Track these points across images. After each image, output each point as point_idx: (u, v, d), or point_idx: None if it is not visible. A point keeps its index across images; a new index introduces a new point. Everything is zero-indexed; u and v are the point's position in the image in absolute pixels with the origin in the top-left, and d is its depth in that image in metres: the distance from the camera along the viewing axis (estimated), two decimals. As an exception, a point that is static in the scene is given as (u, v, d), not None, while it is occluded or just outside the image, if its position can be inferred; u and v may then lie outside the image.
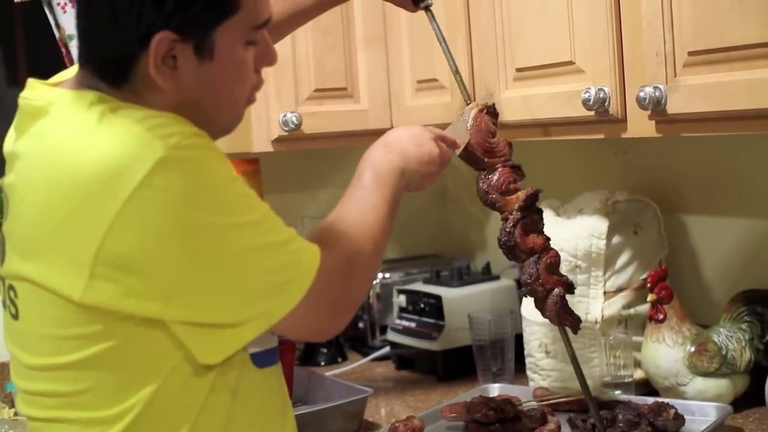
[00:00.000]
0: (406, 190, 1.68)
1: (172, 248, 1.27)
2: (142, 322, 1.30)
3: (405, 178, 1.66)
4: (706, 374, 2.12)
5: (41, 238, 1.31)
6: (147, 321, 1.31)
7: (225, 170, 1.33)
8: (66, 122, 1.34)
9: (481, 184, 1.95)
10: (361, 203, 1.57)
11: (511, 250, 1.95)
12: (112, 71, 1.37)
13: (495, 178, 1.93)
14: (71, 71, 1.52)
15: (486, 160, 1.94)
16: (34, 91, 1.44)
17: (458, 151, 1.85)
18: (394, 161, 1.65)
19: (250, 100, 1.48)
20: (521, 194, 1.93)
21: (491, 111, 1.96)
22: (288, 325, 1.38)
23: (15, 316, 1.40)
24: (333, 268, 1.42)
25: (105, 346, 1.31)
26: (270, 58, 1.48)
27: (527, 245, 1.94)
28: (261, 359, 1.46)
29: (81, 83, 1.40)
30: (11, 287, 1.40)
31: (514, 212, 1.93)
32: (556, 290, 1.94)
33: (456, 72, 2.05)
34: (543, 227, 1.96)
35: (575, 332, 2.00)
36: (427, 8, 2.07)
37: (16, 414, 2.58)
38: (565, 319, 1.97)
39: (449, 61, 2.05)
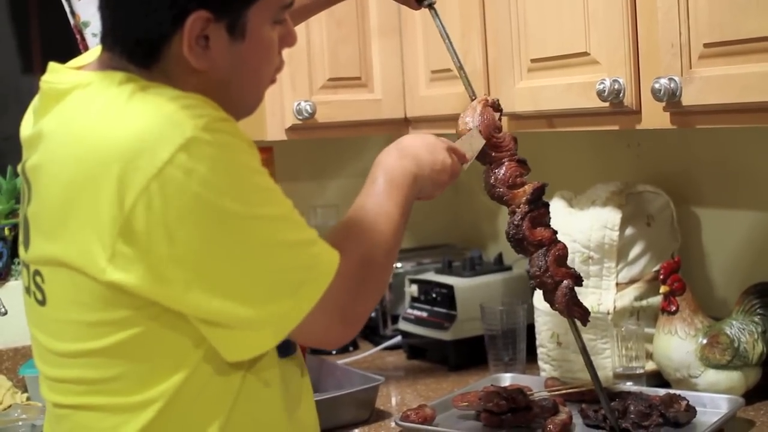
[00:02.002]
0: (417, 197, 1.67)
1: (192, 231, 1.25)
2: (168, 309, 1.30)
3: (418, 184, 1.65)
4: (718, 366, 2.12)
5: (69, 216, 1.30)
6: (171, 309, 1.30)
7: (252, 160, 1.32)
8: (94, 101, 1.33)
9: (488, 178, 1.96)
10: (374, 209, 1.55)
11: (519, 242, 1.95)
12: (142, 52, 1.36)
13: (502, 172, 1.94)
14: (90, 56, 1.52)
15: (493, 154, 1.94)
16: (58, 75, 1.43)
17: (466, 166, 1.85)
18: (407, 167, 1.63)
19: (272, 80, 1.48)
20: (528, 188, 1.94)
21: (496, 106, 1.97)
22: (298, 331, 1.36)
23: (42, 302, 1.39)
24: (348, 275, 1.40)
25: (133, 332, 1.31)
26: (291, 39, 1.47)
27: (535, 238, 1.94)
28: (282, 350, 1.46)
29: (107, 65, 1.39)
30: (37, 272, 1.39)
31: (521, 205, 1.93)
32: (565, 282, 1.95)
33: (460, 68, 2.05)
34: (550, 220, 1.96)
35: (584, 324, 2.00)
36: (430, 6, 2.08)
37: (28, 399, 2.60)
38: (575, 311, 1.98)
39: (453, 57, 2.05)
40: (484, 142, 1.90)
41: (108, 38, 1.40)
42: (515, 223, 1.94)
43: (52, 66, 1.45)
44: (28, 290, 1.44)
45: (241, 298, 1.30)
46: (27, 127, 1.47)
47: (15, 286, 2.77)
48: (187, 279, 1.27)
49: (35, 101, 1.47)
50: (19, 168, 1.47)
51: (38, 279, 1.39)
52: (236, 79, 1.40)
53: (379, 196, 1.57)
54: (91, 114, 1.32)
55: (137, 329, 1.31)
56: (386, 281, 1.57)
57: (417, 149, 1.68)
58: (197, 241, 1.26)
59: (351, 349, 2.96)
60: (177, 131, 1.25)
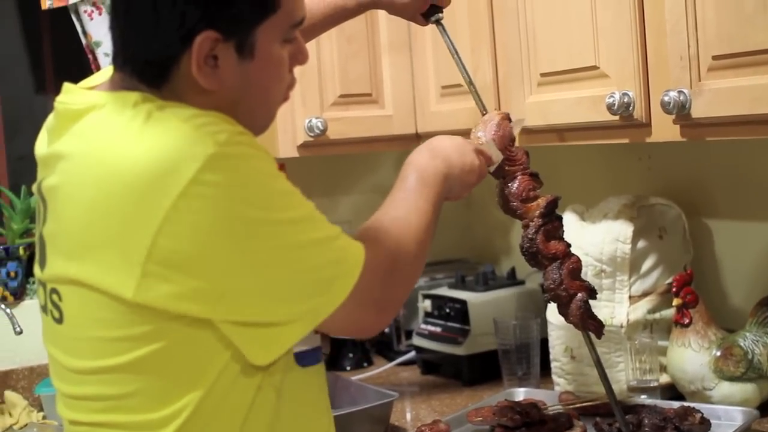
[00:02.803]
0: (446, 197, 1.69)
1: (223, 244, 1.27)
2: (192, 323, 1.30)
3: (448, 183, 1.67)
4: (732, 379, 2.11)
5: (91, 238, 1.30)
6: (196, 322, 1.31)
7: (271, 167, 1.34)
8: (111, 122, 1.34)
9: (501, 192, 1.96)
10: (405, 204, 1.58)
11: (533, 256, 1.96)
12: (152, 73, 1.37)
13: (515, 185, 1.94)
14: (102, 75, 1.53)
15: (506, 168, 1.95)
16: (73, 95, 1.43)
17: (491, 168, 1.87)
18: (438, 166, 1.66)
19: (285, 98, 1.50)
20: (541, 201, 1.94)
21: (508, 120, 1.97)
22: (332, 323, 1.39)
23: (59, 320, 1.39)
24: (377, 265, 1.42)
25: (154, 348, 1.31)
26: (303, 57, 1.49)
27: (549, 251, 1.94)
28: (305, 358, 1.47)
29: (119, 86, 1.40)
30: (54, 291, 1.39)
31: (535, 219, 1.93)
32: (580, 295, 1.95)
33: (470, 83, 2.06)
34: (563, 234, 1.96)
35: (599, 337, 2.00)
36: (437, 22, 2.09)
37: (44, 417, 2.60)
38: (589, 324, 1.97)
39: (462, 72, 2.06)
40: (500, 156, 1.91)
41: (119, 58, 1.41)
42: (529, 236, 1.94)
43: (67, 87, 1.46)
44: (44, 309, 1.44)
45: (275, 303, 1.33)
46: (42, 146, 1.48)
47: (30, 306, 2.78)
48: (220, 292, 1.29)
49: (50, 121, 1.47)
50: (34, 187, 1.48)
51: (55, 297, 1.39)
52: (246, 99, 1.41)
53: (410, 191, 1.60)
54: (109, 135, 1.33)
55: (157, 345, 1.31)
56: (417, 272, 1.58)
57: (447, 150, 1.71)
58: (228, 254, 1.27)
59: (365, 364, 2.96)
60: (198, 149, 1.26)
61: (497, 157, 1.89)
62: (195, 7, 1.32)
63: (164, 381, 1.34)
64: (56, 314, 1.40)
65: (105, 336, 1.33)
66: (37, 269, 1.46)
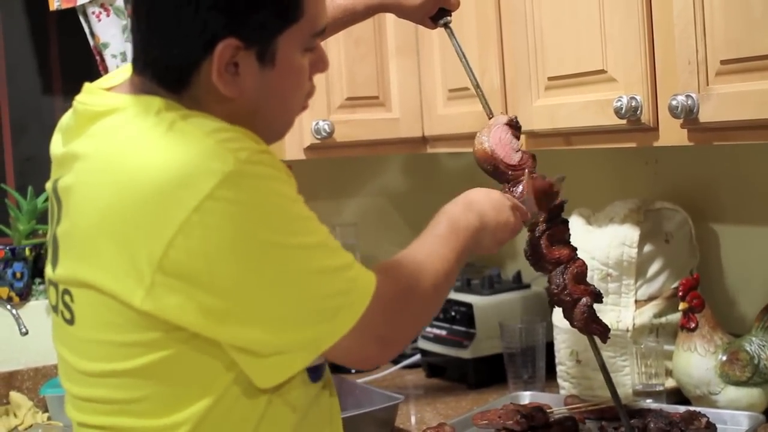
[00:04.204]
0: (475, 250, 1.69)
1: (232, 262, 1.26)
2: (199, 334, 1.30)
3: (478, 237, 1.67)
4: (738, 383, 2.11)
5: (104, 242, 1.30)
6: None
7: (290, 190, 1.33)
8: (132, 127, 1.34)
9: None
10: (429, 249, 1.57)
11: (537, 261, 1.96)
12: (172, 78, 1.36)
13: (519, 190, 1.94)
14: (118, 75, 1.52)
15: (510, 173, 1.94)
16: (93, 96, 1.43)
17: (526, 224, 1.88)
18: (471, 220, 1.66)
19: (304, 106, 1.50)
20: (545, 206, 1.95)
21: (514, 125, 1.97)
22: (334, 352, 1.37)
23: (70, 321, 1.39)
24: (387, 301, 1.40)
25: (163, 355, 1.31)
26: (323, 65, 1.48)
27: (553, 256, 1.94)
28: (315, 373, 1.46)
29: (139, 89, 1.39)
30: (66, 292, 1.39)
31: (539, 224, 1.94)
32: (584, 299, 1.95)
33: (477, 86, 2.06)
34: (569, 237, 1.96)
35: (604, 341, 2.00)
36: (445, 25, 2.09)
37: (49, 419, 2.61)
38: (594, 329, 1.98)
39: (469, 75, 2.06)
40: (536, 211, 1.91)
41: (139, 62, 1.41)
42: (533, 241, 1.95)
43: (88, 87, 1.46)
44: (55, 309, 1.43)
45: (279, 327, 1.31)
46: (57, 145, 1.47)
47: (36, 306, 2.78)
48: (225, 309, 1.28)
49: (66, 120, 1.47)
50: (48, 186, 1.48)
51: (67, 298, 1.39)
52: (265, 107, 1.40)
53: (437, 237, 1.60)
54: (130, 141, 1.32)
55: (168, 351, 1.31)
56: (429, 314, 1.57)
57: (483, 206, 1.71)
58: (237, 273, 1.27)
59: (370, 367, 2.96)
60: (218, 164, 1.25)
61: (533, 212, 1.89)
62: (218, 13, 1.31)
63: (173, 388, 1.33)
64: (67, 315, 1.39)
65: (115, 340, 1.33)
66: (48, 269, 1.45)
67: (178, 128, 1.30)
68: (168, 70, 1.37)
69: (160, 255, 1.25)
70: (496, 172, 1.96)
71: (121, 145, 1.32)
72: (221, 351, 1.32)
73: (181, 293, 1.27)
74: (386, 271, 1.44)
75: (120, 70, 1.55)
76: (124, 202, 1.28)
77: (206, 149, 1.27)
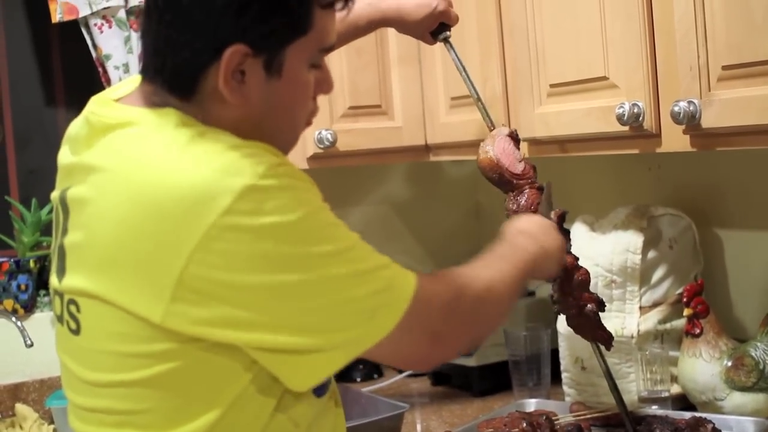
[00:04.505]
0: (538, 274, 1.73)
1: (254, 275, 1.26)
2: (213, 346, 1.30)
3: (537, 261, 1.70)
4: (743, 389, 2.11)
5: (120, 257, 1.30)
6: (217, 345, 1.30)
7: (313, 198, 1.33)
8: (151, 142, 1.34)
9: (510, 205, 1.98)
10: (485, 260, 1.60)
11: (541, 269, 1.96)
12: (181, 82, 1.37)
13: (524, 199, 1.95)
14: (125, 86, 1.52)
15: (514, 182, 1.96)
16: (107, 108, 1.43)
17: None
18: (528, 244, 1.70)
19: (308, 123, 1.50)
20: (552, 215, 1.95)
21: (515, 137, 1.99)
22: (383, 352, 1.37)
23: (76, 332, 1.39)
24: (434, 295, 1.41)
25: (171, 366, 1.30)
26: (327, 86, 1.49)
27: (559, 264, 1.95)
28: (319, 390, 1.45)
29: (150, 100, 1.40)
30: (72, 302, 1.38)
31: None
32: (589, 306, 1.95)
33: (478, 99, 2.07)
34: (571, 247, 1.97)
35: (608, 348, 2.00)
36: (445, 40, 2.11)
37: (55, 430, 2.61)
38: (598, 336, 1.98)
39: (470, 89, 2.08)
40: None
41: (149, 69, 1.41)
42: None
43: (101, 98, 1.46)
44: (60, 318, 1.43)
45: (310, 329, 1.30)
46: (66, 155, 1.47)
47: (41, 318, 2.78)
48: (252, 320, 1.28)
49: (76, 130, 1.46)
50: (55, 195, 1.47)
51: (73, 308, 1.39)
52: (270, 118, 1.40)
53: (493, 253, 1.64)
54: (148, 156, 1.32)
55: (177, 363, 1.30)
56: (486, 316, 1.56)
57: (534, 231, 1.77)
58: (260, 284, 1.26)
59: (375, 376, 2.96)
60: (236, 179, 1.26)
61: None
62: (229, 18, 1.32)
63: (179, 400, 1.33)
64: (73, 325, 1.39)
65: (122, 351, 1.32)
66: (54, 279, 1.45)
67: (196, 145, 1.31)
68: (177, 74, 1.37)
69: (179, 270, 1.25)
70: (501, 181, 1.97)
71: (139, 160, 1.32)
72: (231, 364, 1.31)
73: (204, 307, 1.26)
74: (440, 273, 1.46)
75: (126, 82, 1.55)
76: (143, 218, 1.28)
77: (224, 164, 1.27)
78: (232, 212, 1.24)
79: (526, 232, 1.73)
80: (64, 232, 1.41)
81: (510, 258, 1.63)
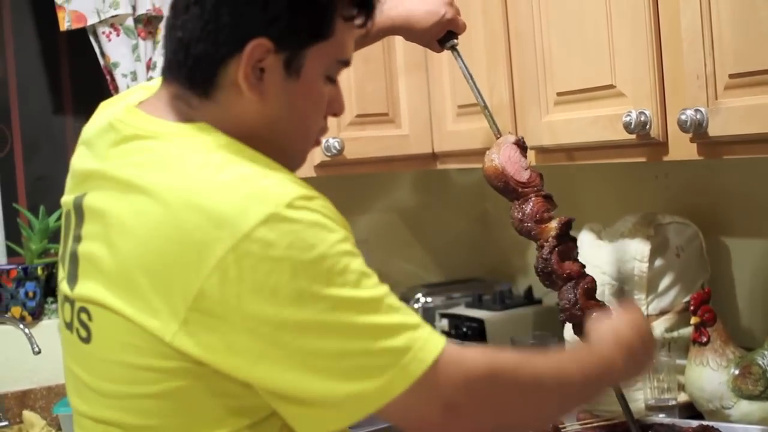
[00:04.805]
0: (623, 377, 1.66)
1: (267, 304, 1.23)
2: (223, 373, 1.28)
3: (619, 376, 1.64)
4: (750, 397, 2.11)
5: (139, 275, 1.28)
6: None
7: (337, 239, 1.29)
8: (182, 163, 1.32)
9: (516, 214, 1.98)
10: (557, 355, 1.54)
11: (548, 276, 1.96)
12: (201, 76, 1.36)
13: (529, 207, 1.96)
14: (141, 91, 1.52)
15: (519, 190, 1.96)
16: (134, 117, 1.41)
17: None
18: (618, 361, 1.57)
19: (317, 142, 1.50)
20: (555, 222, 1.95)
21: (521, 145, 2.00)
22: (391, 412, 1.29)
23: (86, 340, 1.37)
24: (461, 366, 1.32)
25: (183, 384, 1.29)
26: (338, 107, 1.48)
27: (564, 271, 1.95)
28: None
29: (171, 104, 1.40)
30: (84, 309, 1.37)
31: (550, 239, 1.95)
32: (595, 315, 1.95)
33: (485, 107, 2.08)
34: (577, 255, 1.97)
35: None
36: (452, 48, 2.12)
37: (62, 438, 2.61)
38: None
39: (477, 97, 2.08)
40: None
41: (172, 64, 1.40)
42: (544, 257, 1.95)
43: (129, 108, 1.44)
44: (69, 326, 1.42)
45: (315, 371, 1.26)
46: (84, 159, 1.46)
47: (49, 325, 2.79)
48: (258, 351, 1.25)
49: (95, 134, 1.46)
50: (68, 199, 1.46)
51: (84, 316, 1.38)
52: (284, 121, 1.40)
53: (567, 352, 1.62)
54: (177, 177, 1.31)
55: (187, 381, 1.29)
56: (525, 408, 1.42)
57: (632, 339, 1.62)
58: (271, 316, 1.24)
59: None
60: (260, 206, 1.24)
61: None
62: (255, 11, 1.32)
63: (187, 418, 1.32)
64: (83, 333, 1.38)
65: (134, 363, 1.31)
66: (64, 286, 1.44)
67: (228, 169, 1.30)
68: (197, 66, 1.36)
69: (194, 293, 1.24)
70: (507, 189, 1.98)
71: (168, 179, 1.31)
72: (241, 385, 1.30)
73: (214, 332, 1.25)
74: (483, 347, 1.40)
75: (139, 88, 1.55)
76: (166, 238, 1.27)
77: (250, 192, 1.26)
78: (251, 239, 1.23)
79: (623, 341, 1.59)
80: (77, 239, 1.40)
81: (585, 363, 1.51)
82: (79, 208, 1.41)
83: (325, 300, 1.25)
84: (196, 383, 1.29)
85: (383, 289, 1.31)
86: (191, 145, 1.34)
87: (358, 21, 1.43)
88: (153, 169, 1.33)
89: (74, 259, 1.41)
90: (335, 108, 1.48)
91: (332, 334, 1.26)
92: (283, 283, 1.23)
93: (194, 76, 1.38)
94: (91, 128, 1.49)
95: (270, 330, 1.24)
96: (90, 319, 1.37)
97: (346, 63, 1.45)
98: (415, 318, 1.32)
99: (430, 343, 1.30)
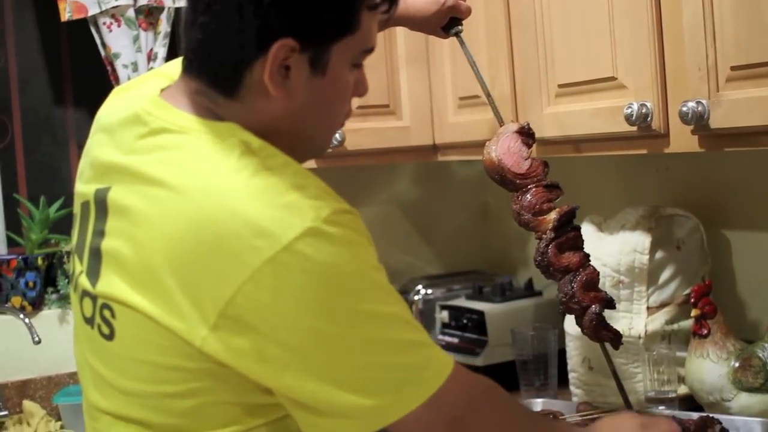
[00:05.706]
0: None
1: (300, 316, 1.25)
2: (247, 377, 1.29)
3: None
4: (751, 390, 2.11)
5: (169, 277, 1.28)
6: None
7: (369, 256, 1.32)
8: (218, 166, 1.31)
9: (514, 206, 1.98)
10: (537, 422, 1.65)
11: (545, 269, 1.97)
12: (225, 77, 1.35)
13: (528, 198, 1.95)
14: (160, 76, 1.51)
15: (518, 181, 1.95)
16: (164, 111, 1.39)
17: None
18: None
19: (341, 123, 1.49)
20: (554, 214, 1.95)
21: (526, 132, 1.98)
22: (401, 425, 1.32)
23: (109, 337, 1.37)
24: (467, 384, 1.40)
25: (204, 384, 1.30)
26: (363, 89, 1.48)
27: (561, 264, 1.95)
28: None
29: (195, 100, 1.38)
30: (107, 306, 1.37)
31: (547, 232, 1.94)
32: (593, 307, 1.95)
33: (488, 95, 2.08)
34: (582, 244, 1.96)
35: (616, 348, 2.00)
36: (457, 34, 2.12)
37: (62, 427, 2.61)
38: (604, 336, 1.98)
39: (481, 84, 2.08)
40: None
41: (193, 63, 1.39)
42: (540, 250, 1.96)
43: (155, 99, 1.42)
44: (90, 321, 1.41)
45: (338, 384, 1.28)
46: (106, 150, 1.44)
47: (48, 315, 2.79)
48: (286, 360, 1.26)
49: (118, 122, 1.44)
50: (88, 190, 1.44)
51: (107, 313, 1.37)
52: (310, 115, 1.39)
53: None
54: (211, 180, 1.30)
55: (209, 383, 1.30)
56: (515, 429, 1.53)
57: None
58: (303, 328, 1.25)
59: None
60: (298, 219, 1.25)
61: None
62: (280, 11, 1.30)
63: (206, 416, 1.33)
64: (106, 330, 1.38)
65: (159, 362, 1.32)
66: (84, 280, 1.42)
67: (263, 177, 1.29)
68: (222, 68, 1.35)
69: (227, 299, 1.24)
70: (504, 182, 1.98)
71: (202, 184, 1.30)
72: (258, 395, 1.31)
73: (243, 338, 1.26)
74: (498, 388, 1.49)
75: (154, 75, 1.55)
76: (198, 242, 1.26)
77: (288, 203, 1.27)
78: (289, 251, 1.23)
79: None
80: (100, 233, 1.39)
81: None
82: (102, 201, 1.40)
83: (357, 315, 1.28)
84: (217, 384, 1.30)
85: (405, 305, 1.35)
86: (223, 146, 1.33)
87: (383, 7, 1.42)
88: (184, 168, 1.33)
89: (96, 254, 1.39)
90: (360, 90, 1.48)
91: (361, 348, 1.28)
92: (318, 296, 1.25)
93: (217, 77, 1.36)
94: (110, 115, 1.48)
95: (301, 341, 1.26)
96: (113, 316, 1.36)
97: (371, 50, 1.44)
98: (427, 335, 1.37)
99: (444, 360, 1.36)
